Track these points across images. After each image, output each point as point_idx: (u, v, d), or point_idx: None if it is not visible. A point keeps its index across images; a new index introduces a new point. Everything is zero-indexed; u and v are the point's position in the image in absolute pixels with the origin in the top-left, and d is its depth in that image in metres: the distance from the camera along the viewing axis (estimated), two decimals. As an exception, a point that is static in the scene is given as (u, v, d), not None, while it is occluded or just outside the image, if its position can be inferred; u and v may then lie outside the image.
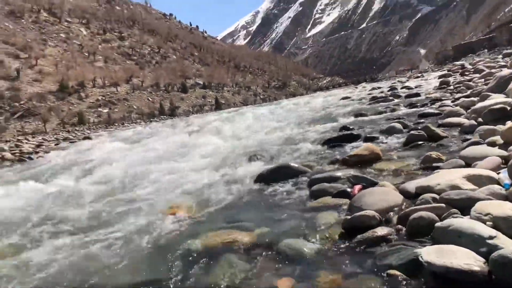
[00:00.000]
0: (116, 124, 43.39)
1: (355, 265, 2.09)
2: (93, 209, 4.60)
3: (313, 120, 9.62)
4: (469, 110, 5.62)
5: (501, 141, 3.41)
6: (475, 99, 6.28)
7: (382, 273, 1.92)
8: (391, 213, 2.60)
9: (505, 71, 6.64)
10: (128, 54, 72.48)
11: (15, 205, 5.32)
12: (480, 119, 4.74)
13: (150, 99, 58.26)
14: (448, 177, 2.68)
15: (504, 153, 3.05)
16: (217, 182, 4.70)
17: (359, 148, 4.41)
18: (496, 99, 5.01)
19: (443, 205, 2.38)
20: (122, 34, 76.89)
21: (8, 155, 15.21)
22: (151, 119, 47.85)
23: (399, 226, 2.40)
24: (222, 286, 2.17)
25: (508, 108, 4.52)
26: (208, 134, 10.45)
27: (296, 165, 4.46)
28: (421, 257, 1.82)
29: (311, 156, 5.20)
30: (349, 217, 2.53)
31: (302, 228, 2.72)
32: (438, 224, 2.06)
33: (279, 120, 11.41)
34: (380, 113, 8.64)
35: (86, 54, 64.32)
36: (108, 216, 4.20)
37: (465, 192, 2.40)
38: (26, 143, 21.29)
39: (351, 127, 6.85)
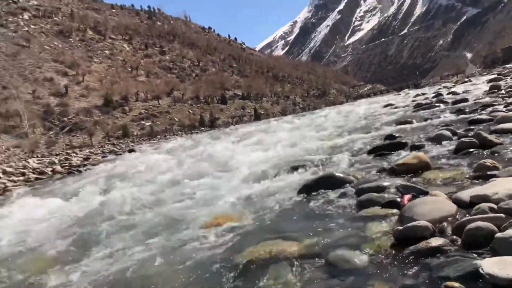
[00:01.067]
0: (159, 136, 44.69)
1: (410, 277, 2.03)
2: (140, 220, 4.76)
3: (356, 129, 9.47)
4: (524, 115, 5.35)
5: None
6: (530, 103, 5.98)
7: (439, 286, 1.86)
8: (445, 224, 2.51)
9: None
10: (169, 68, 74.77)
11: (70, 213, 5.60)
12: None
13: (190, 111, 59.65)
14: (507, 185, 2.56)
15: None
16: (261, 193, 4.73)
17: (407, 156, 4.30)
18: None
19: (502, 215, 2.28)
20: (163, 49, 79.44)
21: (58, 168, 16.02)
22: (192, 131, 48.93)
23: (454, 237, 2.31)
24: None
25: None
26: (250, 144, 10.54)
27: (341, 175, 4.40)
28: (482, 269, 1.74)
29: (356, 165, 5.11)
30: (401, 227, 2.46)
31: (351, 239, 2.68)
32: (498, 234, 1.97)
33: (321, 129, 11.32)
34: (426, 119, 8.38)
35: (129, 69, 66.94)
36: (155, 228, 4.32)
37: (526, 202, 2.28)
38: (75, 156, 22.32)
39: (396, 135, 6.70)
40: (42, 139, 45.97)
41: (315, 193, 4.18)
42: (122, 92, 56.74)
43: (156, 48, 78.06)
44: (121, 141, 43.72)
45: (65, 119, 50.65)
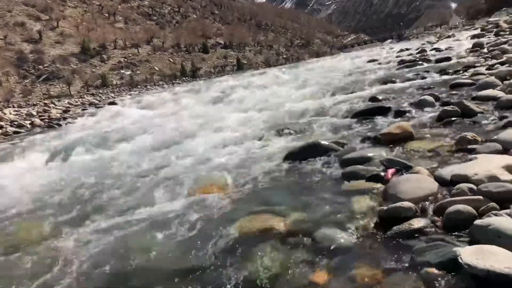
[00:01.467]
0: (139, 86, 43.78)
1: (393, 260, 2.13)
2: (120, 188, 4.73)
3: (341, 87, 9.45)
4: (506, 82, 5.43)
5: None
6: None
7: (421, 271, 1.96)
8: (427, 203, 2.61)
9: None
10: (148, 14, 71.87)
11: (53, 178, 5.57)
12: (518, 94, 4.58)
13: (171, 60, 58.16)
14: (486, 166, 2.66)
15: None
16: (246, 159, 4.76)
17: (391, 126, 4.35)
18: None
19: (481, 197, 2.38)
20: (142, -7, 75.78)
21: (37, 121, 15.69)
22: (173, 81, 48.05)
23: (435, 218, 2.42)
24: (258, 279, 2.26)
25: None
26: (233, 103, 10.45)
27: (327, 143, 4.45)
28: (461, 258, 1.84)
29: (341, 131, 5.17)
30: (385, 207, 2.55)
31: (337, 215, 2.77)
32: (477, 222, 2.07)
33: (305, 86, 11.27)
34: (409, 79, 8.43)
35: (106, 15, 64.09)
36: (137, 196, 4.31)
37: (503, 185, 2.38)
38: (54, 107, 21.79)
39: (380, 98, 6.74)
40: (17, 88, 44.49)
41: (300, 161, 4.25)
42: (99, 40, 54.56)
43: (134, -7, 74.47)
44: (101, 91, 42.76)
45: (41, 67, 48.87)
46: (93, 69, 51.08)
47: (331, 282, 2.11)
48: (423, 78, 8.30)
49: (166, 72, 53.53)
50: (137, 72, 52.87)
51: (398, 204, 2.51)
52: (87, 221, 3.71)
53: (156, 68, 55.67)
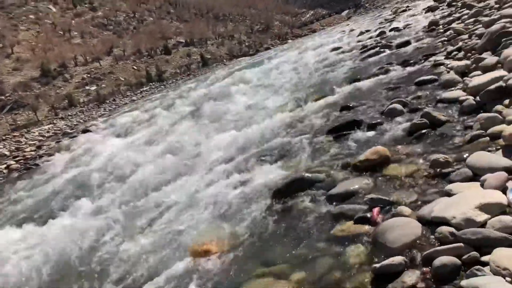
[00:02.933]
0: (107, 101, 42.94)
1: (392, 326, 2.34)
2: (120, 246, 4.85)
3: (310, 91, 9.65)
4: (465, 80, 5.70)
5: (503, 143, 3.57)
6: (469, 62, 6.31)
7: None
8: (415, 251, 2.82)
9: (496, 26, 6.60)
10: (103, 25, 70.11)
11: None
12: (478, 98, 4.83)
13: (135, 67, 57.15)
14: (462, 207, 2.88)
15: (509, 162, 3.23)
16: (235, 201, 4.91)
17: (368, 151, 4.55)
18: (490, 74, 5.06)
19: (461, 245, 2.60)
20: (93, 4, 73.88)
21: (13, 164, 15.38)
22: (141, 89, 47.30)
23: (424, 269, 2.63)
24: None
25: (504, 85, 4.61)
26: (206, 120, 10.51)
27: (310, 175, 4.66)
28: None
29: (320, 155, 5.36)
30: (377, 265, 2.75)
31: (335, 274, 2.95)
32: (463, 283, 2.28)
33: (274, 90, 11.41)
34: (375, 75, 8.66)
35: (61, 33, 62.23)
36: (140, 256, 4.44)
37: (480, 231, 2.61)
38: (26, 142, 21.33)
39: (351, 105, 6.95)
40: (-20, 124, 43.12)
41: (288, 199, 4.45)
42: (58, 59, 53.08)
43: (86, 5, 72.39)
44: (69, 112, 41.81)
45: (3, 97, 47.35)
46: (57, 91, 49.78)
47: None
48: (387, 72, 8.53)
49: (132, 81, 52.58)
50: (103, 86, 51.78)
51: (389, 261, 2.72)
52: None
53: (121, 78, 54.61)
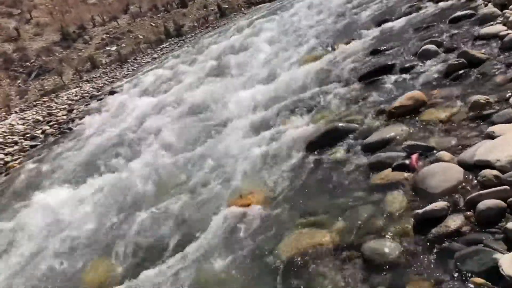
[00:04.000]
0: (129, 60, 42.95)
1: (439, 269, 2.38)
2: (158, 199, 5.04)
3: (337, 35, 9.33)
4: (505, 13, 5.36)
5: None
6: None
7: (466, 281, 2.22)
8: (457, 196, 2.81)
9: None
10: (117, -18, 68.57)
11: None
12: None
13: (152, 24, 56.38)
14: (506, 149, 2.82)
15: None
16: (270, 154, 4.96)
17: (403, 97, 4.44)
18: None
19: (507, 187, 2.58)
20: (105, -39, 72.03)
21: (48, 129, 15.84)
22: (160, 46, 46.87)
23: (468, 213, 2.64)
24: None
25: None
26: (232, 74, 10.41)
27: (344, 125, 4.62)
28: (502, 269, 2.07)
29: (352, 103, 5.27)
30: (420, 211, 2.77)
31: (376, 222, 2.98)
32: (509, 225, 2.28)
33: (297, 39, 11.08)
34: (406, 14, 8.23)
35: (76, -7, 61.36)
36: (179, 208, 4.61)
37: (527, 174, 2.57)
38: (56, 108, 21.79)
39: (381, 49, 6.71)
40: (12, 91, 44.31)
41: (323, 150, 4.46)
42: (76, 21, 53.01)
43: (97, -39, 70.79)
44: (93, 74, 42.21)
45: (28, 63, 48.16)
46: (79, 53, 50.05)
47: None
48: (418, 10, 8.10)
49: (151, 38, 52.03)
50: (123, 45, 51.57)
51: (432, 206, 2.73)
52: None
53: (140, 36, 54.15)
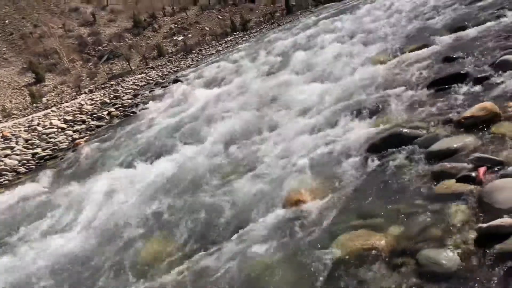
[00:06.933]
0: (194, 51, 44.27)
1: (501, 286, 2.32)
2: (214, 193, 5.19)
3: (407, 39, 9.07)
4: None
5: None
6: None
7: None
8: (526, 214, 2.70)
9: None
10: (190, -27, 70.69)
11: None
12: None
13: (220, 17, 57.69)
14: None
15: None
16: (329, 153, 4.96)
17: (474, 107, 4.27)
18: None
19: None
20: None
21: (113, 111, 16.78)
22: (225, 39, 47.82)
23: (538, 234, 2.53)
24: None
25: None
26: (296, 70, 10.46)
27: (408, 131, 4.52)
28: None
29: (419, 109, 5.12)
30: (484, 225, 2.68)
31: (435, 230, 2.92)
32: None
33: (366, 39, 10.87)
34: (484, 22, 7.82)
35: (151, -17, 64.03)
36: (234, 205, 4.72)
37: None
38: (122, 92, 22.98)
39: (454, 56, 6.45)
40: (83, 72, 47.35)
41: (384, 154, 4.38)
42: (148, 10, 55.56)
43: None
44: (159, 62, 44.01)
45: (100, 48, 51.15)
46: (147, 41, 52.44)
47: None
48: (499, 17, 7.67)
49: (216, 31, 53.26)
50: (189, 36, 53.28)
51: (498, 222, 2.64)
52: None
53: (206, 28, 55.61)
